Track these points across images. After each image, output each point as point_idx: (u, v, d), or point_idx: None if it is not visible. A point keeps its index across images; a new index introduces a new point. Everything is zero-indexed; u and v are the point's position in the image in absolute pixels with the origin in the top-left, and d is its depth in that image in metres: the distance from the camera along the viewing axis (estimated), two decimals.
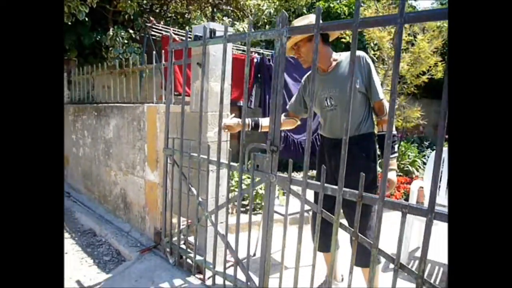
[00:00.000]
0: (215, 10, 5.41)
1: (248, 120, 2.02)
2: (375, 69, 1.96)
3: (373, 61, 4.31)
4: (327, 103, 1.93)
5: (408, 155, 5.25)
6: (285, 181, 1.71)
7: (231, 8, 5.53)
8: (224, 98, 2.07)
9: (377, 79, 1.85)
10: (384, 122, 1.87)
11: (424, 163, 5.18)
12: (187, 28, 2.24)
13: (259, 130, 2.10)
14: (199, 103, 2.17)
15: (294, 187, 1.72)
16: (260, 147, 1.83)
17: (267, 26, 5.39)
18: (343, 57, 1.93)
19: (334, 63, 1.93)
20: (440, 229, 2.11)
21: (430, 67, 4.25)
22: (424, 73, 4.35)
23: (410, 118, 4.37)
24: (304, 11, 5.54)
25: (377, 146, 1.96)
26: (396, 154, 1.82)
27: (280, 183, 1.75)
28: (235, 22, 5.12)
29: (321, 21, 1.51)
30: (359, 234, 1.48)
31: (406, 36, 3.98)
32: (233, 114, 2.21)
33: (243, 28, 5.02)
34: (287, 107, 2.20)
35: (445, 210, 1.24)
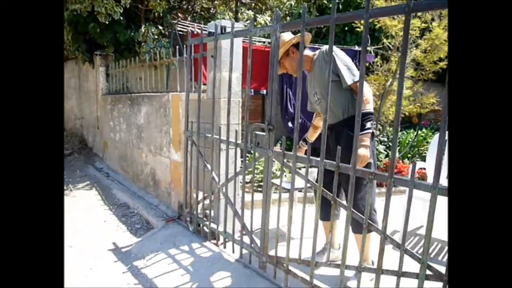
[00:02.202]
0: (238, 4, 5.70)
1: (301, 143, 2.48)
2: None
3: (388, 49, 4.43)
4: (315, 98, 2.21)
5: (428, 141, 5.29)
6: (279, 155, 2.00)
7: (254, 2, 5.80)
8: (234, 86, 2.39)
9: (343, 67, 2.03)
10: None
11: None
12: (212, 23, 2.55)
13: (312, 141, 2.48)
14: (212, 91, 2.50)
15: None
16: (260, 127, 2.13)
17: (288, 18, 5.60)
18: (316, 56, 2.18)
19: (311, 63, 2.19)
20: (439, 207, 2.29)
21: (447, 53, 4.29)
22: (441, 60, 4.39)
23: (425, 104, 4.45)
24: (325, 1, 5.69)
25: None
26: (368, 131, 1.95)
27: (276, 157, 2.05)
28: (257, 15, 5.38)
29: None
30: (337, 198, 1.75)
31: (421, 24, 4.06)
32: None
33: (264, 21, 5.28)
34: (308, 109, 2.45)
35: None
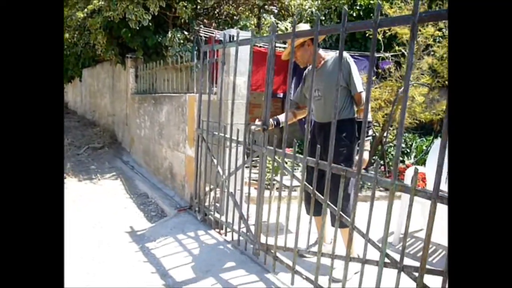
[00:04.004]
0: (261, 10, 5.96)
1: (271, 121, 2.47)
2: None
3: (402, 55, 4.50)
4: (315, 94, 2.39)
5: None
6: (272, 152, 2.22)
7: (277, 8, 6.03)
8: (241, 89, 2.64)
9: (356, 76, 2.22)
10: (361, 111, 2.25)
11: None
12: (222, 32, 2.82)
13: (280, 126, 2.54)
14: (220, 93, 2.76)
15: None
16: (257, 126, 2.36)
17: (309, 24, 5.78)
18: (329, 57, 2.36)
19: (322, 61, 2.37)
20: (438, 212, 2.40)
21: None
22: None
23: (437, 111, 4.48)
24: (346, 8, 5.80)
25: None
26: (370, 138, 2.16)
27: (269, 154, 2.27)
28: (278, 22, 5.61)
29: (307, 28, 1.99)
30: (316, 192, 1.95)
31: (434, 32, 4.12)
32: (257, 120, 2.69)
33: (285, 27, 5.50)
34: (293, 98, 2.66)
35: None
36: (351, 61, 2.24)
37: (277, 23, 5.71)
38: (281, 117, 2.54)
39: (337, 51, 1.93)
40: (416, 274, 1.48)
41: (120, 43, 5.29)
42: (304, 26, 2.32)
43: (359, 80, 2.24)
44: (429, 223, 1.39)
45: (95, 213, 3.40)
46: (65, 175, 4.56)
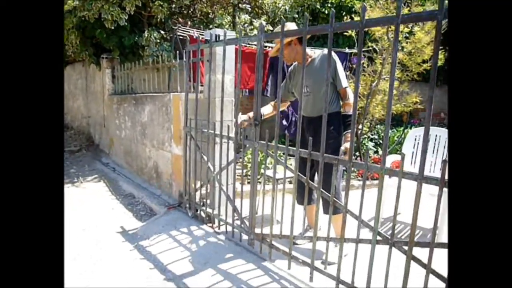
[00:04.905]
0: (236, 8, 6.04)
1: (251, 114, 2.57)
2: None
3: (374, 50, 4.76)
4: (304, 90, 2.53)
5: None
6: (264, 146, 2.34)
7: (251, 6, 6.13)
8: (227, 87, 2.73)
9: (341, 72, 2.39)
10: (346, 105, 2.41)
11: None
12: (208, 31, 2.87)
13: (262, 118, 2.63)
14: (208, 91, 2.84)
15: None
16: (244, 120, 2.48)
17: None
18: (316, 55, 2.51)
19: (309, 59, 2.50)
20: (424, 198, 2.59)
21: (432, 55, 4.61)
22: (425, 62, 4.72)
23: (408, 103, 4.77)
24: (318, 6, 6.02)
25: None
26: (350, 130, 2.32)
27: (261, 148, 2.39)
28: (253, 20, 5.71)
29: (297, 27, 2.11)
30: (310, 181, 2.09)
31: (403, 28, 4.39)
32: (241, 113, 2.77)
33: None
34: (282, 95, 2.78)
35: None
36: (336, 58, 2.40)
37: (251, 22, 5.82)
38: (263, 110, 2.65)
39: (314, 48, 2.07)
40: (406, 247, 1.65)
41: (94, 43, 5.19)
42: (291, 26, 2.44)
43: (343, 76, 2.40)
44: (416, 200, 1.57)
45: (83, 216, 3.37)
46: None
